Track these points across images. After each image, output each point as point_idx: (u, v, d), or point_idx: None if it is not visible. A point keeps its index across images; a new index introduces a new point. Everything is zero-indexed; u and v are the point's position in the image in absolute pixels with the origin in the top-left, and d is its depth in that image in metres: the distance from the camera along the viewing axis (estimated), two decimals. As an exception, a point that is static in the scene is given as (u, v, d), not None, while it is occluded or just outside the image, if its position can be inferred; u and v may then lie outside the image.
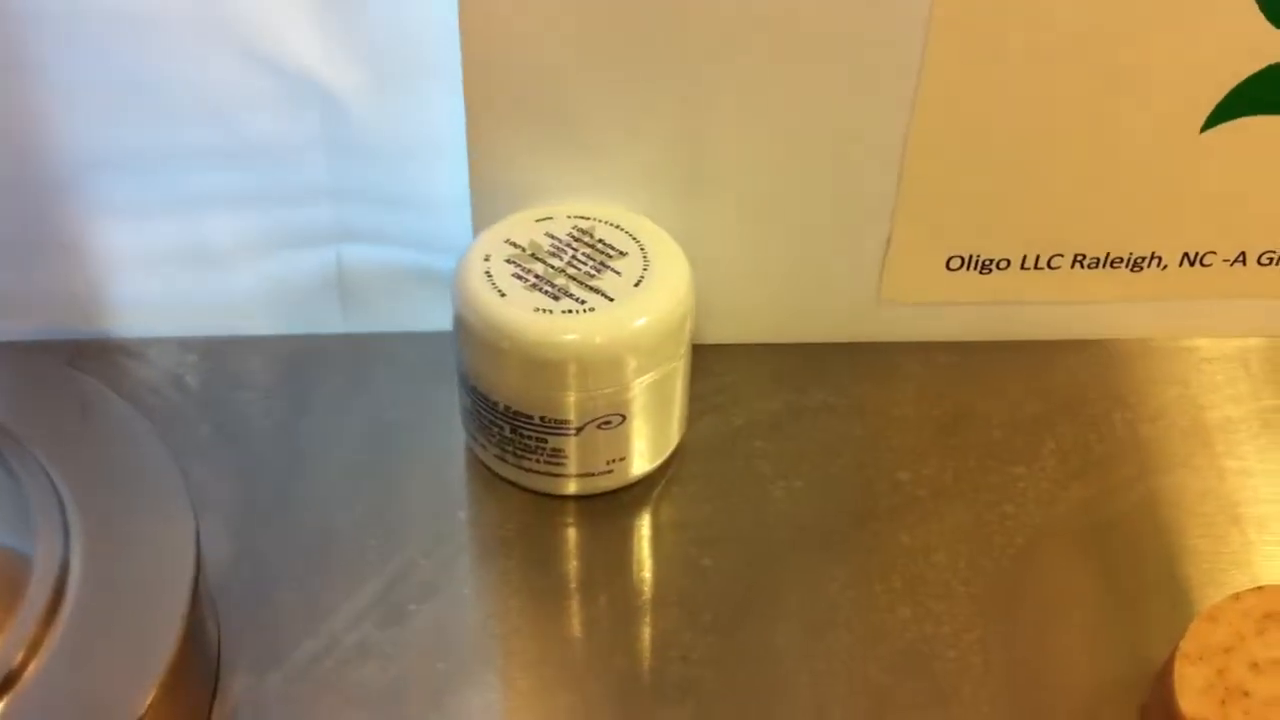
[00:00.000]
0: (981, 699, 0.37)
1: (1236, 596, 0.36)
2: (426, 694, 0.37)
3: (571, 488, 0.42)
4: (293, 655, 0.38)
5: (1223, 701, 0.33)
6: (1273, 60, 0.40)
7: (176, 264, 0.46)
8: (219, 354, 0.46)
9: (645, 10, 0.38)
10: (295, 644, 0.38)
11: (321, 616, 0.39)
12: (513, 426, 0.40)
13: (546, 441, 0.40)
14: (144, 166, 0.43)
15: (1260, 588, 0.36)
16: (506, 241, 0.41)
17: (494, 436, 0.41)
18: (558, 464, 0.41)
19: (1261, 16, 0.39)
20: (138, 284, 0.46)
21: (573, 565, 0.41)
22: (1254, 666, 0.34)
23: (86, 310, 0.46)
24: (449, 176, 0.43)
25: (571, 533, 0.42)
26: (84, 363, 0.45)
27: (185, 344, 0.46)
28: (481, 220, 0.42)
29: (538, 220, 0.41)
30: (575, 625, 0.39)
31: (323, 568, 0.40)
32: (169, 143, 0.43)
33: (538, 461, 0.41)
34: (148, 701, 0.33)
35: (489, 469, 0.42)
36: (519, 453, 0.41)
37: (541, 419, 0.40)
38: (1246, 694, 0.34)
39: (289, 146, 0.43)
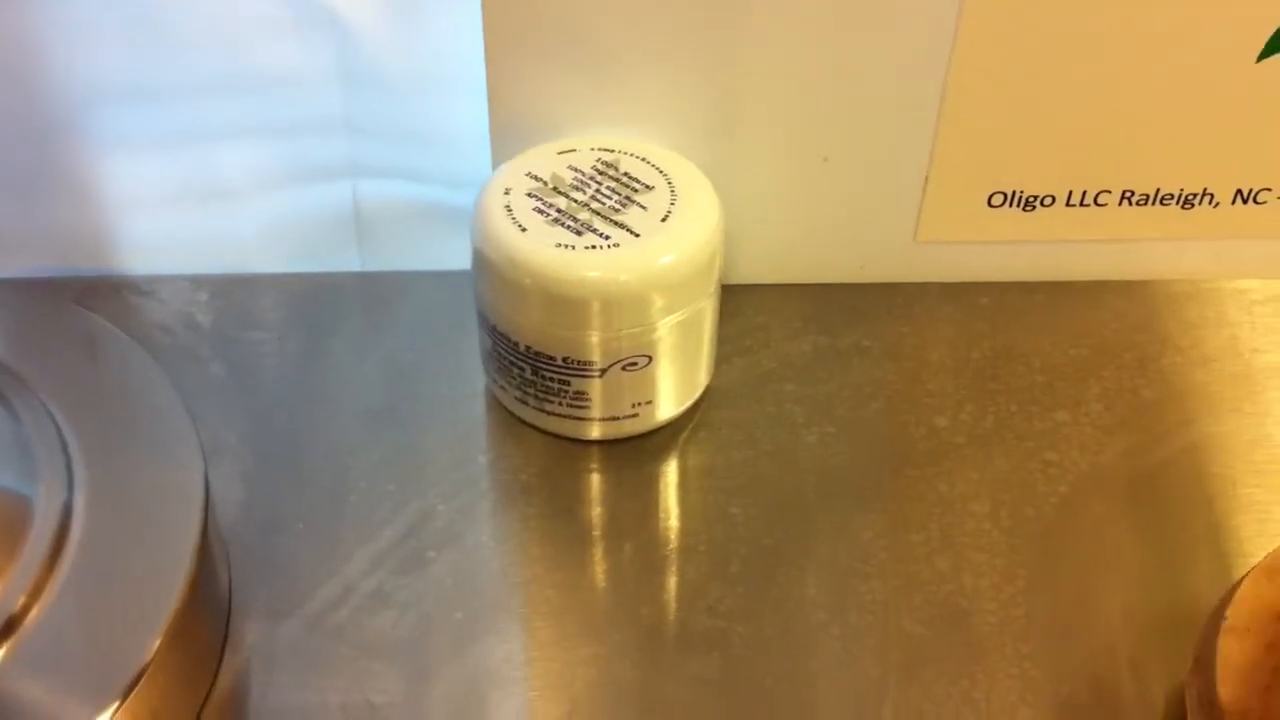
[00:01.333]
0: (1023, 654, 0.35)
1: None
2: (445, 643, 0.36)
3: (595, 432, 0.40)
4: (307, 603, 0.37)
5: (1269, 687, 0.28)
6: (1338, -17, 0.38)
7: (188, 200, 0.44)
8: (231, 292, 0.44)
9: (674, -70, 0.36)
10: (310, 591, 0.37)
11: (337, 563, 0.38)
12: (534, 368, 0.39)
13: (569, 384, 0.39)
14: (153, 99, 0.42)
15: None
16: (528, 175, 0.39)
17: (515, 378, 0.39)
18: (581, 407, 0.39)
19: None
20: (148, 221, 0.44)
21: (596, 512, 0.39)
22: None
23: (95, 247, 0.45)
24: (468, 109, 0.41)
25: (595, 479, 0.40)
26: (92, 301, 0.43)
27: (197, 282, 0.44)
28: (501, 154, 0.41)
29: (560, 153, 0.40)
30: (599, 574, 0.38)
31: (339, 513, 0.39)
32: (179, 75, 0.41)
33: (560, 404, 0.39)
34: (154, 648, 0.32)
35: (510, 412, 0.41)
36: (541, 395, 0.39)
37: (564, 360, 0.38)
38: None
39: (303, 78, 0.41)
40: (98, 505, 0.34)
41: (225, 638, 0.36)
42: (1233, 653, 0.29)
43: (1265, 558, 0.32)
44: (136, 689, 0.31)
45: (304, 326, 0.44)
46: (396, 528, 0.38)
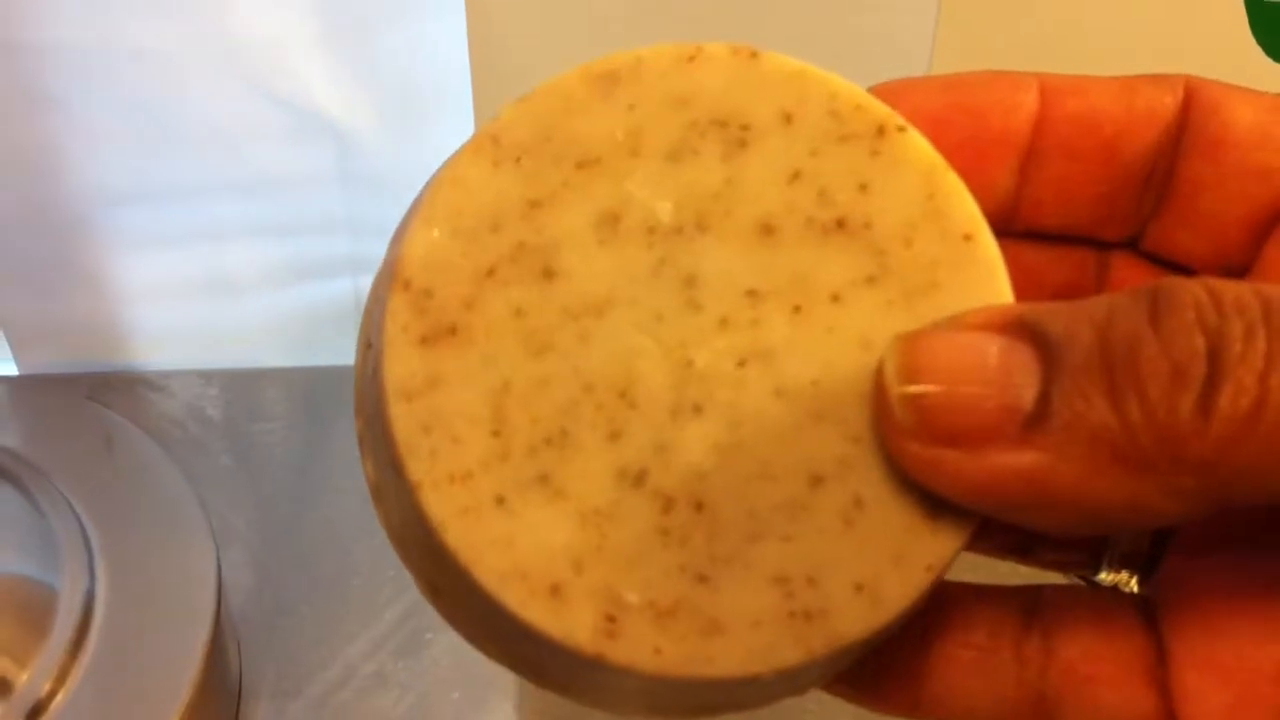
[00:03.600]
0: None
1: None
2: (444, 723, 0.38)
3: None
4: (312, 684, 0.39)
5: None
6: None
7: (197, 296, 0.46)
8: (239, 386, 0.47)
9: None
10: (314, 673, 0.39)
11: (340, 646, 0.39)
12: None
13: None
14: (162, 200, 0.44)
15: None
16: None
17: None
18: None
19: None
20: (158, 316, 0.47)
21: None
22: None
23: (107, 343, 0.47)
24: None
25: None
26: (107, 395, 0.45)
27: (206, 376, 0.47)
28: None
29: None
30: (590, 653, 0.40)
31: (342, 597, 0.41)
32: (188, 177, 0.44)
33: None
34: (171, 731, 0.34)
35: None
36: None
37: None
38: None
39: (304, 179, 0.44)
40: (117, 593, 0.36)
41: (236, 718, 0.38)
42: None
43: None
44: (154, 770, 0.33)
45: (308, 417, 0.46)
46: (396, 610, 0.40)
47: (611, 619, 0.17)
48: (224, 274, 0.46)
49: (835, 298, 0.18)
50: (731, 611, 0.17)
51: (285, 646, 0.39)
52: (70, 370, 0.47)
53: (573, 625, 0.17)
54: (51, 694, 0.33)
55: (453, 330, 0.18)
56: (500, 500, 0.18)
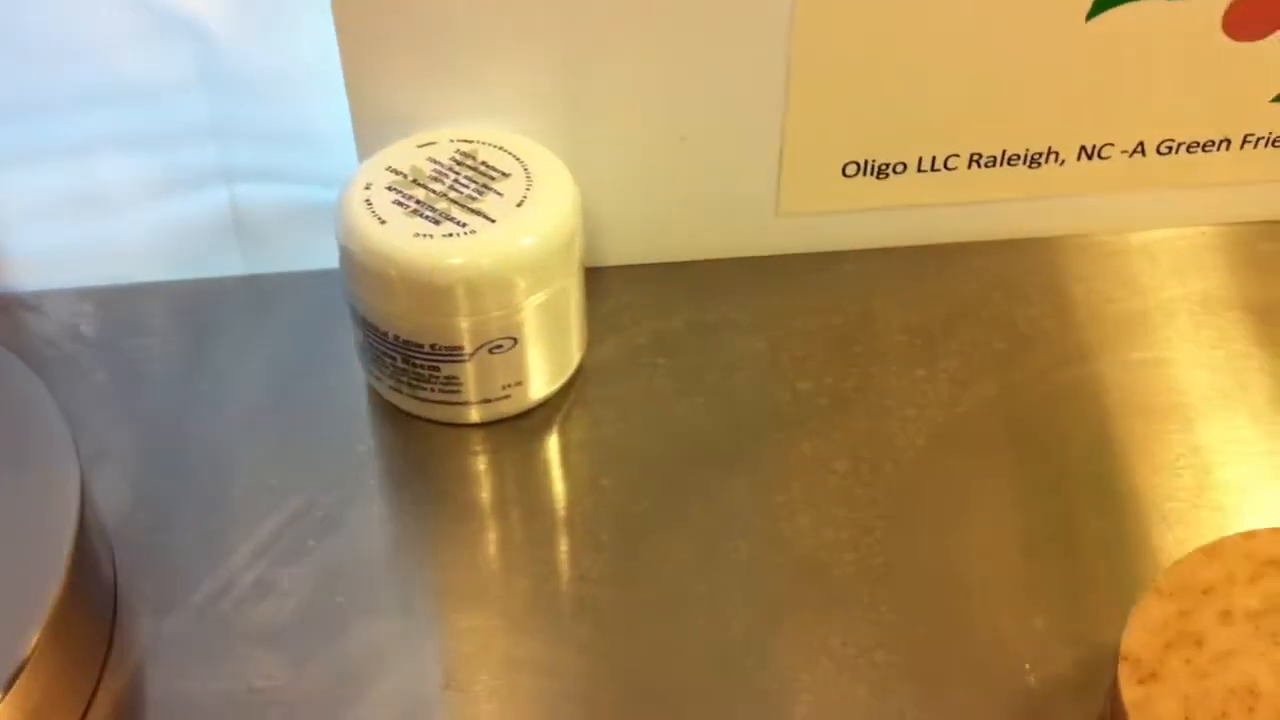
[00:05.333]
0: (880, 599, 0.37)
1: (1250, 535, 0.33)
2: (325, 627, 0.37)
3: (471, 415, 0.41)
4: (192, 596, 0.38)
5: (1168, 645, 0.31)
6: (1151, -58, 0.39)
7: (66, 214, 0.45)
8: (115, 302, 0.45)
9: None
10: (194, 585, 0.38)
11: (221, 557, 0.39)
12: (404, 356, 0.40)
13: (439, 369, 0.40)
14: (19, 117, 0.43)
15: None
16: (388, 169, 0.40)
17: (388, 368, 0.41)
18: (453, 392, 0.40)
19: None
20: (27, 237, 0.45)
21: (474, 493, 0.41)
22: (1225, 615, 0.31)
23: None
24: (334, 109, 0.42)
25: (473, 461, 0.41)
26: (-23, 318, 0.44)
27: (82, 294, 0.45)
28: (366, 151, 0.42)
29: (420, 146, 0.41)
30: (475, 552, 0.39)
31: (222, 510, 0.40)
32: (45, 90, 0.42)
33: (433, 391, 0.40)
34: (33, 642, 0.33)
35: (389, 402, 0.42)
36: (414, 383, 0.40)
37: (432, 347, 0.39)
38: (1199, 643, 0.31)
39: (165, 85, 0.42)
40: (-27, 511, 0.35)
41: (111, 634, 0.37)
42: (1150, 607, 0.31)
43: (1212, 542, 0.33)
44: (17, 683, 0.32)
45: (187, 332, 0.45)
46: (278, 519, 0.39)
47: None
48: (92, 189, 0.45)
49: None
50: None
51: (164, 562, 0.39)
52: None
53: None
54: (-101, 612, 0.32)
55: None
56: None
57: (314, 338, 0.44)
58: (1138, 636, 0.31)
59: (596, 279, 0.44)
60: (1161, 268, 0.45)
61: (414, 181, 0.39)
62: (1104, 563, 0.38)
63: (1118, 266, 0.46)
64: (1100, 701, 0.33)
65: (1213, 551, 0.32)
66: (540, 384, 0.41)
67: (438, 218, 0.38)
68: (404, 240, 0.38)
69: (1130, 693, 0.30)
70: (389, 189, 0.39)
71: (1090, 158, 0.44)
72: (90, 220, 0.45)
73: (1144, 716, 0.30)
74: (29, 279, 0.46)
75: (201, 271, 0.46)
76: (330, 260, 0.45)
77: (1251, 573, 0.32)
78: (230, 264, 0.46)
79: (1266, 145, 0.44)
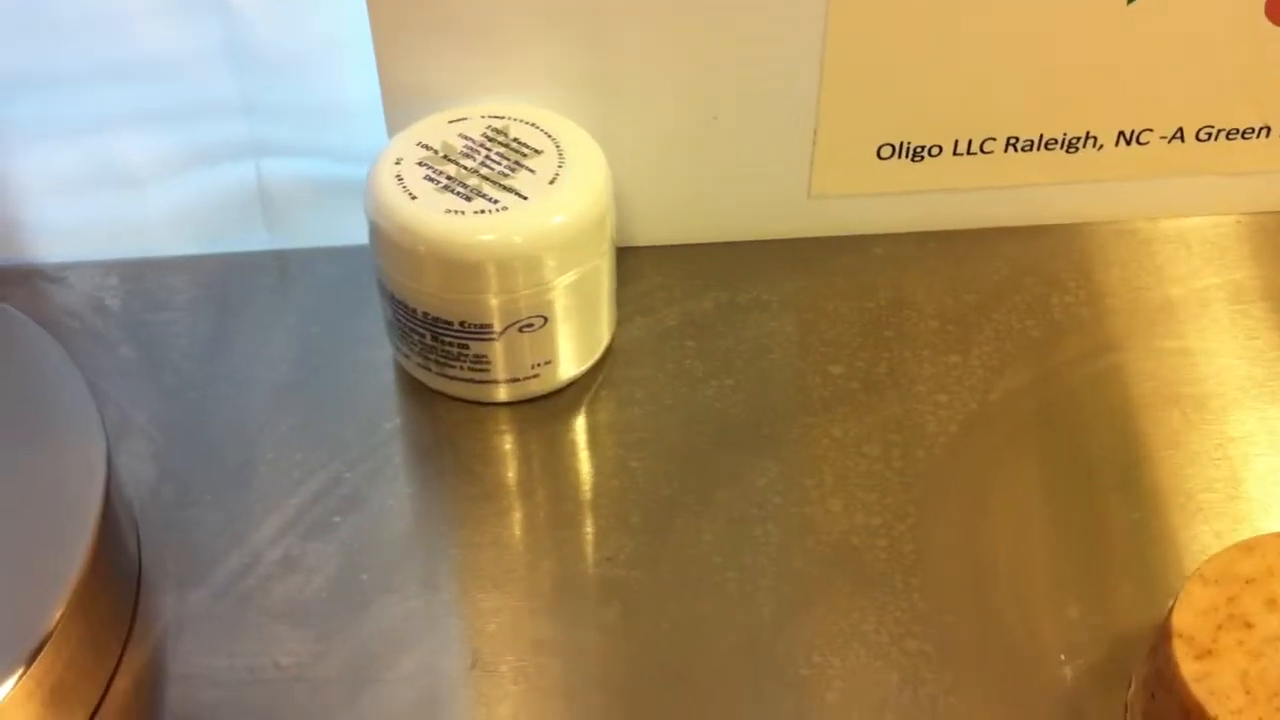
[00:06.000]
0: (913, 587, 0.36)
1: None
2: (350, 604, 0.37)
3: (499, 394, 0.41)
4: (216, 572, 0.37)
5: (1219, 626, 0.31)
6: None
7: (92, 188, 0.45)
8: (140, 275, 0.45)
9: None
10: (218, 561, 0.38)
11: (245, 533, 0.38)
12: (433, 333, 0.39)
13: (468, 347, 0.39)
14: (48, 90, 0.42)
15: None
16: (419, 144, 0.40)
17: (416, 345, 0.40)
18: (482, 370, 0.40)
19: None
20: (55, 210, 0.45)
21: (501, 472, 0.40)
22: (1271, 602, 0.32)
23: (4, 236, 0.45)
24: (363, 83, 0.42)
25: (500, 439, 0.41)
26: (2, 289, 0.44)
27: (106, 267, 0.45)
28: (395, 126, 0.41)
29: (451, 121, 0.40)
30: (501, 531, 0.39)
31: (247, 485, 0.39)
32: (73, 63, 0.42)
33: (461, 369, 0.40)
34: (57, 616, 0.33)
35: (416, 380, 0.42)
36: (442, 360, 0.40)
37: (461, 324, 0.39)
38: (1249, 625, 0.31)
39: (191, 59, 0.42)
40: (1, 486, 0.35)
41: (135, 608, 0.37)
42: (1196, 592, 0.32)
43: (1249, 539, 0.34)
44: (39, 657, 0.32)
45: (213, 306, 0.44)
46: (303, 495, 0.39)
47: None
48: (119, 163, 0.45)
49: None
50: None
51: (188, 537, 0.38)
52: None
53: None
54: (-75, 583, 0.32)
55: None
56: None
57: (340, 314, 0.44)
58: (1188, 617, 0.31)
59: (626, 259, 0.44)
60: (1196, 256, 0.45)
61: (445, 157, 0.39)
62: (1137, 554, 0.37)
63: (1152, 253, 0.45)
64: (1131, 690, 0.33)
65: (1249, 547, 0.33)
66: (569, 364, 0.41)
67: (469, 194, 0.38)
68: (435, 216, 0.37)
69: (1189, 666, 0.30)
70: (420, 164, 0.39)
71: (1129, 143, 0.44)
72: (116, 194, 0.45)
73: (1205, 690, 0.30)
74: (54, 251, 0.45)
75: (228, 246, 0.46)
76: (356, 236, 0.44)
77: None
78: (256, 239, 0.46)
79: (1307, 133, 0.44)
